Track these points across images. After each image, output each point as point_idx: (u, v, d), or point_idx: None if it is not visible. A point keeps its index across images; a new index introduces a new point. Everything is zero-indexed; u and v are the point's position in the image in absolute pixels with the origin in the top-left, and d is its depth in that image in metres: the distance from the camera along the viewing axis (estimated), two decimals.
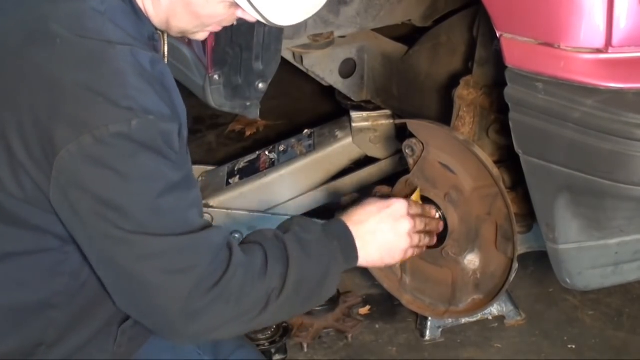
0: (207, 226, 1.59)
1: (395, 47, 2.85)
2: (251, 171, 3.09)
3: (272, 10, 1.61)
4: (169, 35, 1.76)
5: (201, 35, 1.75)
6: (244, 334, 1.95)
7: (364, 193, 2.97)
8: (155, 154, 1.51)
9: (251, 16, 1.63)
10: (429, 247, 2.05)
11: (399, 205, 1.86)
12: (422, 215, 1.94)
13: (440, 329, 2.71)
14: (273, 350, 2.60)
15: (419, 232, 1.89)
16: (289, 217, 1.85)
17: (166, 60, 1.78)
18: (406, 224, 1.84)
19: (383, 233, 1.81)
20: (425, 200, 2.15)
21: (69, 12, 1.56)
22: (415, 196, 2.05)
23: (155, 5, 1.65)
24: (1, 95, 1.54)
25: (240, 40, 2.34)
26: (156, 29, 1.70)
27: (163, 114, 1.52)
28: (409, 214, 1.86)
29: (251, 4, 1.59)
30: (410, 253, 1.89)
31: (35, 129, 1.48)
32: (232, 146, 3.85)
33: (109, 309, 1.67)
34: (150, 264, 1.52)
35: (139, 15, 1.64)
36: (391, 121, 2.96)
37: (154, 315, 1.58)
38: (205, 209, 2.78)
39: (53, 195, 1.51)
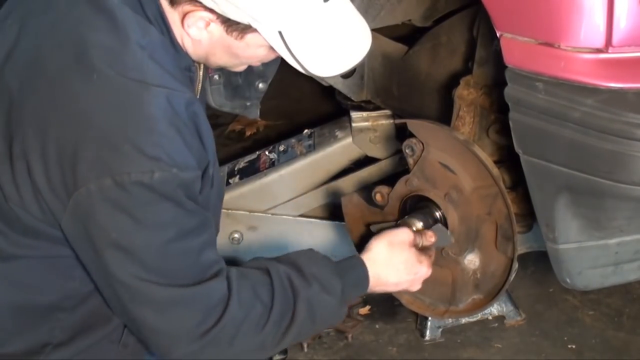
0: (214, 274, 1.60)
1: (395, 47, 2.85)
2: (251, 171, 3.09)
3: (312, 63, 1.62)
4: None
5: (240, 69, 1.77)
6: None
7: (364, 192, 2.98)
8: (173, 204, 1.52)
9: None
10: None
11: (399, 235, 1.96)
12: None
13: (440, 329, 2.71)
14: None
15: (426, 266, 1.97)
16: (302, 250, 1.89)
17: (199, 87, 1.77)
18: (421, 275, 1.97)
19: (400, 277, 1.92)
20: (425, 200, 2.15)
21: (111, 44, 1.55)
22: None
23: (195, 45, 1.66)
24: (30, 116, 1.54)
25: None
26: (193, 61, 1.70)
27: (187, 164, 1.53)
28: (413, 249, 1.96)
29: (292, 54, 1.59)
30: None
31: (59, 161, 1.50)
32: (232, 146, 3.84)
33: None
34: (149, 309, 1.56)
35: (177, 49, 1.64)
36: (391, 121, 2.96)
37: (147, 342, 1.62)
38: None
39: (65, 223, 1.53)
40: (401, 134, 2.83)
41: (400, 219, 2.17)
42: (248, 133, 3.91)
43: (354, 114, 2.99)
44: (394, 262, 1.89)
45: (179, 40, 1.64)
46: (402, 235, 1.94)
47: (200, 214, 1.59)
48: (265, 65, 2.43)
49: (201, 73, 1.77)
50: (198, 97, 1.75)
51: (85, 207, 1.50)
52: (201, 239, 1.59)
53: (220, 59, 1.69)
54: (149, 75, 1.53)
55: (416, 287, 1.97)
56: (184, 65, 1.65)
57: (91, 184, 1.47)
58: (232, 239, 2.93)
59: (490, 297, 2.24)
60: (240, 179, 3.08)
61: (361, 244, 2.45)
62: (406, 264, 1.90)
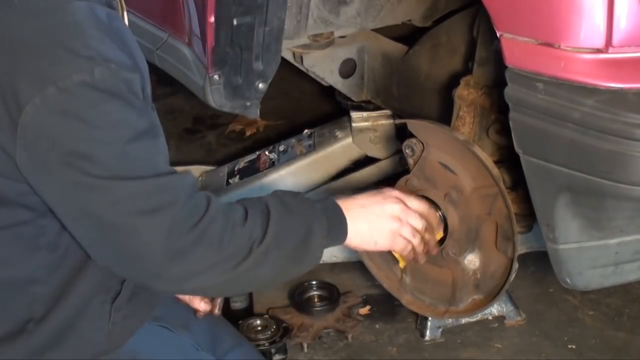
0: (176, 172, 1.60)
1: (395, 47, 2.85)
2: (251, 171, 3.09)
3: None
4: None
5: None
6: (229, 290, 1.94)
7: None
8: (121, 102, 1.51)
9: None
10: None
11: (388, 189, 1.89)
12: (418, 213, 1.92)
13: (440, 329, 2.71)
14: (273, 350, 2.60)
15: (413, 228, 1.88)
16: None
17: (124, 18, 1.75)
18: (395, 206, 1.84)
19: (372, 208, 1.81)
20: (425, 200, 2.15)
21: None
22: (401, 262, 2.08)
23: None
24: None
25: (240, 40, 2.34)
26: None
27: (124, 62, 1.52)
28: (400, 200, 1.86)
29: None
30: (406, 249, 1.88)
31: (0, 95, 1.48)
32: (232, 146, 3.85)
33: (92, 280, 1.67)
34: (124, 208, 1.52)
35: None
36: (391, 121, 2.96)
37: (134, 261, 1.57)
38: None
39: (20, 157, 1.50)
40: (401, 134, 2.83)
41: None
42: (248, 133, 3.91)
43: (354, 114, 2.99)
44: (359, 198, 1.83)
45: None
46: (389, 189, 1.91)
47: (151, 117, 1.59)
48: (265, 65, 2.44)
49: (125, 15, 1.76)
50: None
51: (34, 127, 1.47)
52: (158, 143, 1.59)
53: None
54: None
55: (399, 244, 1.86)
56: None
57: (35, 98, 1.45)
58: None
59: (491, 298, 2.24)
60: (240, 179, 3.08)
61: None
62: (374, 192, 1.85)
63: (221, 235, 1.58)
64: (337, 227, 1.75)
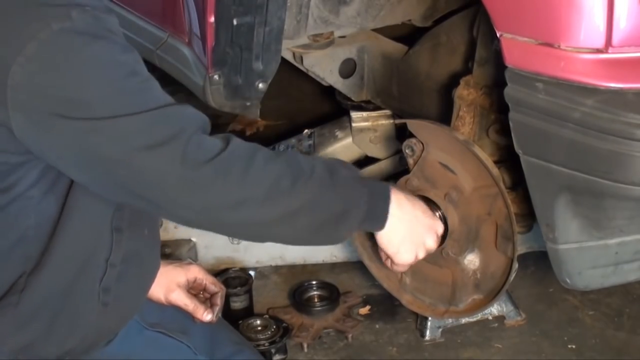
0: (178, 103, 1.55)
1: (395, 47, 2.85)
2: None
3: None
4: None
5: None
6: (250, 236, 1.77)
7: None
8: (104, 42, 1.48)
9: None
10: None
11: (439, 223, 1.86)
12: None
13: (440, 329, 2.71)
14: (273, 350, 2.60)
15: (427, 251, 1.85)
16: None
17: None
18: (433, 238, 1.82)
19: (418, 222, 1.76)
20: (426, 200, 2.15)
21: None
22: None
23: None
24: None
25: (240, 40, 2.34)
26: None
27: (97, 6, 1.50)
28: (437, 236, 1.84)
29: None
30: (406, 268, 1.88)
31: None
32: None
33: (75, 254, 1.64)
34: (132, 143, 1.47)
35: None
36: (391, 121, 2.96)
37: (152, 194, 1.52)
38: None
39: (15, 122, 1.47)
40: (401, 134, 2.83)
41: None
42: (248, 133, 3.91)
43: (354, 114, 2.99)
44: (417, 207, 1.78)
45: None
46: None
47: (136, 54, 1.54)
48: (265, 65, 2.44)
49: None
50: None
51: (23, 86, 1.44)
52: (150, 77, 1.54)
53: None
54: None
55: (410, 259, 1.81)
56: None
57: (19, 57, 1.43)
58: (233, 238, 2.94)
59: (491, 297, 2.24)
60: None
61: (362, 243, 2.46)
62: (426, 232, 1.80)
63: (244, 173, 1.51)
64: (376, 218, 1.69)
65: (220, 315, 1.95)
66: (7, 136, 1.49)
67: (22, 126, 1.47)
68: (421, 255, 1.81)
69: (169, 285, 1.91)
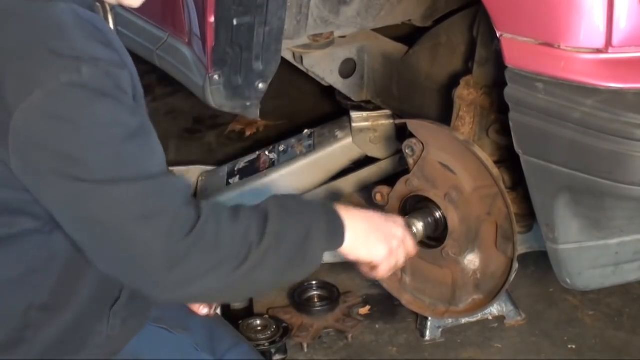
0: (171, 174, 1.56)
1: (395, 47, 2.85)
2: (251, 171, 3.09)
3: None
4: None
5: (135, 2, 1.67)
6: (230, 295, 1.85)
7: (364, 193, 2.97)
8: (111, 100, 1.47)
9: None
10: (429, 247, 2.04)
11: (397, 216, 1.86)
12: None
13: (440, 329, 2.71)
14: (273, 350, 2.60)
15: (407, 251, 1.83)
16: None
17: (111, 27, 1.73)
18: (400, 229, 1.80)
19: (371, 218, 1.77)
20: (425, 200, 2.15)
21: None
22: None
23: None
24: None
25: (240, 40, 2.35)
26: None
27: (111, 59, 1.49)
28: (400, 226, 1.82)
29: None
30: (390, 268, 1.83)
31: None
32: (232, 146, 3.84)
33: (91, 285, 1.65)
34: (121, 212, 1.47)
35: None
36: (391, 121, 2.96)
37: (133, 267, 1.53)
38: None
39: (14, 164, 1.47)
40: (401, 134, 2.83)
41: None
42: (248, 133, 3.91)
43: (354, 114, 2.99)
44: (361, 210, 1.79)
45: None
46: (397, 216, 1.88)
47: (142, 115, 1.55)
48: (265, 65, 2.44)
49: (110, 17, 1.73)
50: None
51: (24, 132, 1.44)
52: (150, 141, 1.54)
53: None
54: None
55: (395, 258, 1.80)
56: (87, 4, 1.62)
57: (23, 104, 1.42)
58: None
59: (491, 297, 2.24)
60: (240, 179, 3.08)
61: None
62: (385, 223, 1.79)
63: (217, 238, 1.54)
64: (336, 230, 1.72)
65: (218, 311, 1.95)
66: (8, 173, 1.50)
67: (18, 169, 1.48)
68: (395, 244, 1.79)
69: None
